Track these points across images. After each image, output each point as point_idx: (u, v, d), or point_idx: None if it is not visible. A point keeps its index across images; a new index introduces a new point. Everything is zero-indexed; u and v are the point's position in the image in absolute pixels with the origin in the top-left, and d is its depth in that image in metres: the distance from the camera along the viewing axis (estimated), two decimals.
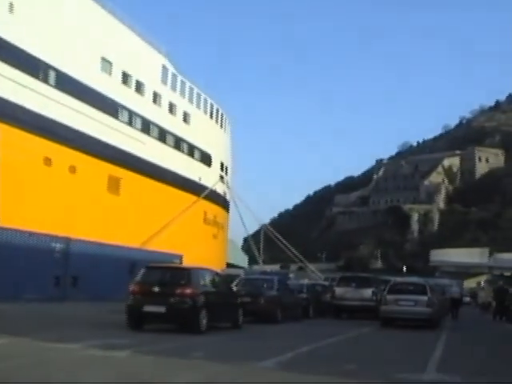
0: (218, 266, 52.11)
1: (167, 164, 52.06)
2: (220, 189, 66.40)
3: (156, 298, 14.30)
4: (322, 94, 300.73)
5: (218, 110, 66.83)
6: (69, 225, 34.07)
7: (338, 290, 26.74)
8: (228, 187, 69.54)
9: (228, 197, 69.82)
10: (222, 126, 68.83)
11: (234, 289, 19.69)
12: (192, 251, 45.52)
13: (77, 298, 27.44)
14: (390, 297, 21.04)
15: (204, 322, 14.71)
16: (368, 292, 26.18)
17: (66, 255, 28.76)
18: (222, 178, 67.37)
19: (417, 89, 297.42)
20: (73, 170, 39.00)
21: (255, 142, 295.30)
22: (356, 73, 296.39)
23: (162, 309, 14.17)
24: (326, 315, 27.19)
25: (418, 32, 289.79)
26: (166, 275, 15.36)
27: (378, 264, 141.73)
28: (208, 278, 16.03)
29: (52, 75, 37.72)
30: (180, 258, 41.01)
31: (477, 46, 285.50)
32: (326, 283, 34.38)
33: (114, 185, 43.67)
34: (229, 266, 66.94)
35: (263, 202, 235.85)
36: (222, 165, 67.96)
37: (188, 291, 14.40)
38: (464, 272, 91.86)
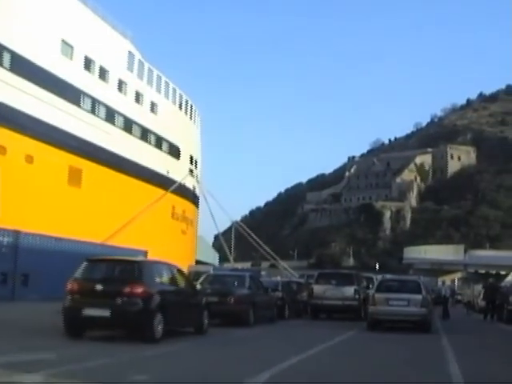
0: (187, 263, 49.68)
1: (133, 156, 49.16)
2: (189, 183, 63.69)
3: (99, 299, 11.41)
4: (295, 90, 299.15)
5: (187, 101, 64.10)
6: (22, 218, 31.14)
7: (317, 288, 23.99)
8: (198, 181, 66.88)
9: (198, 191, 67.16)
10: (191, 117, 66.11)
11: (199, 287, 16.97)
12: (159, 247, 42.96)
13: (27, 297, 24.51)
14: (379, 296, 18.41)
15: (159, 328, 11.78)
16: (350, 290, 23.52)
17: (14, 250, 25.81)
18: (191, 171, 64.69)
19: (388, 87, 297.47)
20: (30, 159, 36.06)
21: (227, 138, 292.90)
22: (329, 69, 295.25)
23: (105, 312, 11.26)
24: (303, 315, 24.78)
25: (388, 30, 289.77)
26: (112, 270, 12.48)
27: (350, 262, 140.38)
28: (166, 275, 13.10)
29: (6, 57, 34.74)
30: (144, 254, 38.34)
31: (448, 46, 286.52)
32: (302, 281, 31.59)
33: (75, 176, 40.70)
34: (198, 263, 64.41)
35: (235, 199, 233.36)
36: (191, 158, 65.26)
37: (139, 290, 11.50)
38: (439, 269, 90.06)
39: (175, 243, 55.65)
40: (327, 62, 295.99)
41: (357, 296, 23.48)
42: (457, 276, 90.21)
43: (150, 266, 12.72)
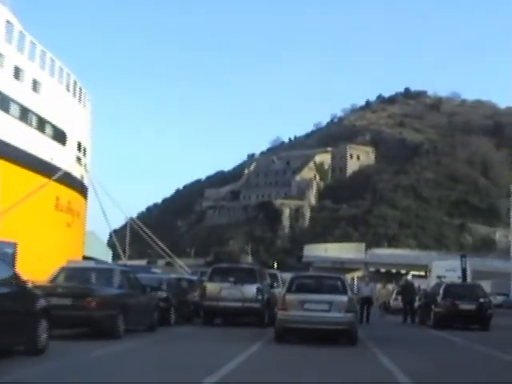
0: (72, 258, 44.56)
1: (9, 138, 42.82)
2: (77, 172, 57.61)
3: None
4: (196, 85, 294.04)
5: (75, 83, 57.91)
6: None
7: (210, 287, 19.56)
8: (86, 171, 60.86)
9: (86, 182, 61.26)
10: (80, 100, 59.96)
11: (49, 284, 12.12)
12: (35, 240, 37.59)
13: None
14: (291, 297, 14.13)
15: None
16: (251, 289, 19.11)
17: None
18: (78, 159, 58.57)
19: (288, 86, 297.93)
20: None
21: (125, 132, 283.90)
22: (231, 65, 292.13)
23: None
24: (195, 320, 20.43)
25: (289, 28, 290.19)
26: None
27: (249, 260, 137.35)
28: None
29: None
30: (14, 246, 32.80)
31: (349, 48, 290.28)
32: (195, 278, 26.82)
33: None
34: (87, 259, 58.83)
35: (131, 195, 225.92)
36: (79, 145, 59.09)
37: None
38: (340, 268, 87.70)
39: (57, 236, 49.91)
40: (228, 58, 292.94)
41: (260, 296, 19.13)
42: (356, 274, 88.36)
43: None
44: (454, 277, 35.12)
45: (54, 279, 13.58)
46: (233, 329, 18.35)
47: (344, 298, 14.08)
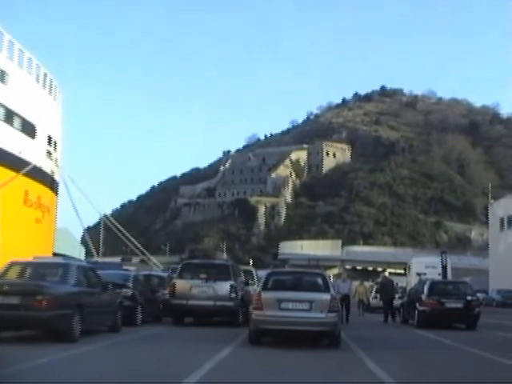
0: (41, 255, 42.67)
1: None
2: (47, 166, 55.69)
3: None
4: (172, 82, 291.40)
5: (46, 75, 55.95)
6: None
7: (180, 285, 18.05)
8: (57, 165, 58.95)
9: (57, 177, 59.32)
10: (50, 93, 57.99)
11: None
12: (5, 236, 35.90)
13: None
14: (267, 295, 12.73)
15: None
16: (224, 287, 17.77)
17: None
18: (49, 153, 56.61)
19: (265, 83, 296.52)
20: None
21: (100, 129, 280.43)
22: (207, 63, 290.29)
23: None
24: (165, 320, 18.97)
25: (264, 30, 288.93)
26: None
27: (224, 257, 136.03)
28: None
29: None
30: None
31: (325, 47, 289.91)
32: (165, 274, 25.29)
33: None
34: (57, 256, 56.86)
35: (106, 192, 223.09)
36: (49, 139, 57.14)
37: None
38: (316, 265, 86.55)
39: (26, 232, 48.09)
40: (206, 55, 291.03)
41: (233, 294, 17.73)
42: (333, 272, 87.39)
43: None
44: (434, 274, 34.01)
45: (1, 276, 12.10)
46: (204, 329, 17.01)
47: (326, 297, 12.67)
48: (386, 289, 24.99)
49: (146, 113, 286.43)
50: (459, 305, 19.87)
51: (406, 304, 22.92)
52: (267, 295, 12.70)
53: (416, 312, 20.48)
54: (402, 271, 63.74)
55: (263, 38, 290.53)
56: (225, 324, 17.70)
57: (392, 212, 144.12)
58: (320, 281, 13.40)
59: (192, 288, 17.82)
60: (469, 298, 20.22)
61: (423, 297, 20.36)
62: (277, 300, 12.51)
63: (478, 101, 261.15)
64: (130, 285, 17.00)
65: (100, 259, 70.24)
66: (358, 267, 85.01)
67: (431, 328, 19.09)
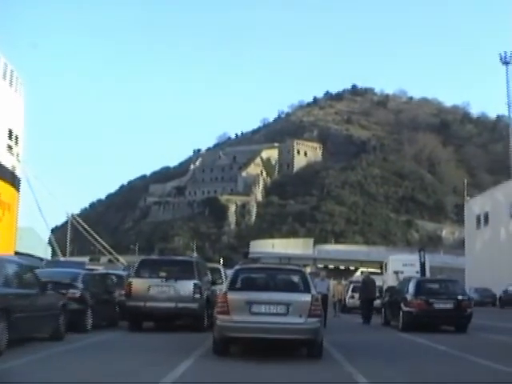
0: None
1: None
2: (8, 161, 53.04)
3: None
4: (143, 80, 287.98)
5: (6, 65, 53.24)
6: None
7: (137, 284, 15.81)
8: (18, 160, 56.33)
9: (18, 172, 56.69)
10: (11, 84, 55.28)
11: None
12: None
13: None
14: (235, 296, 10.70)
15: None
16: (187, 286, 15.63)
17: None
18: (10, 147, 53.92)
19: (236, 82, 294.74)
20: None
21: (67, 126, 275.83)
22: (175, 60, 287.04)
23: None
24: (122, 324, 16.74)
25: (236, 27, 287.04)
26: None
27: (194, 255, 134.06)
28: None
29: None
30: None
31: (295, 44, 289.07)
32: (125, 273, 23.03)
33: None
34: (19, 255, 54.55)
35: (74, 191, 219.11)
36: (10, 132, 54.46)
37: None
38: (287, 264, 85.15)
39: None
40: (176, 52, 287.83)
41: (197, 295, 15.58)
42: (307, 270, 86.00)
43: None
44: (412, 272, 32.52)
45: None
46: (164, 335, 14.92)
47: (306, 298, 10.60)
48: (368, 288, 23.02)
49: (117, 110, 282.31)
50: (449, 305, 18.12)
51: (388, 304, 20.98)
52: (235, 296, 10.65)
53: (401, 313, 18.51)
54: (375, 270, 62.52)
55: (234, 37, 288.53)
56: (188, 329, 15.67)
57: (363, 211, 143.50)
58: (299, 279, 11.31)
59: (150, 288, 15.69)
60: (459, 297, 18.38)
61: (409, 297, 18.49)
62: (246, 302, 10.50)
63: (448, 100, 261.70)
64: (79, 285, 14.65)
65: (64, 258, 68.19)
66: (331, 266, 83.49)
67: (417, 331, 17.28)
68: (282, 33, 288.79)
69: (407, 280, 20.83)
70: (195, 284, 15.70)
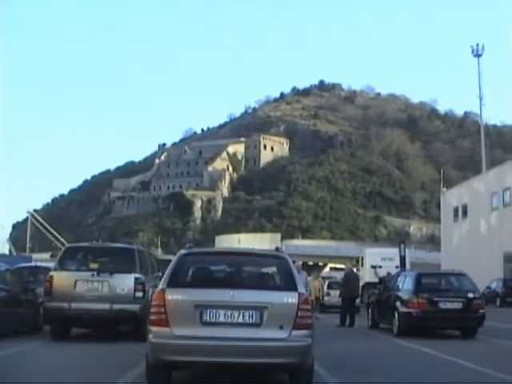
0: None
1: None
2: None
3: None
4: (108, 73, 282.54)
5: None
6: None
7: (59, 279, 12.18)
8: None
9: None
10: None
11: None
12: None
13: None
14: (177, 297, 7.00)
15: None
16: (126, 282, 12.08)
17: None
18: None
19: (202, 77, 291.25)
20: None
21: (29, 121, 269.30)
22: (147, 57, 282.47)
23: None
24: (45, 329, 13.22)
25: (202, 22, 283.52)
26: None
27: (159, 252, 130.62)
28: None
29: None
30: None
31: (262, 39, 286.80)
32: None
33: None
34: None
35: (36, 186, 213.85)
36: None
37: None
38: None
39: None
40: (145, 46, 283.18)
41: (140, 294, 11.98)
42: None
43: None
44: (392, 266, 29.93)
45: None
46: (95, 346, 11.52)
47: (290, 299, 7.06)
48: (352, 284, 19.33)
49: (82, 103, 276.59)
50: (457, 305, 14.81)
51: (376, 303, 17.61)
52: (177, 297, 7.02)
53: (396, 315, 15.25)
54: (342, 266, 59.88)
55: (201, 32, 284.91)
56: (128, 337, 12.20)
57: (331, 206, 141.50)
58: (278, 269, 7.67)
59: (77, 284, 12.09)
60: (470, 295, 15.01)
61: (407, 294, 15.28)
62: (195, 306, 6.89)
63: (415, 97, 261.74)
64: None
65: (16, 254, 65.52)
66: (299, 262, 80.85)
67: (415, 336, 14.16)
68: (250, 28, 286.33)
69: (402, 274, 17.51)
70: (137, 279, 12.08)
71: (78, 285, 12.11)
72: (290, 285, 7.24)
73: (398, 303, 15.41)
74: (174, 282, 7.19)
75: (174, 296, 6.99)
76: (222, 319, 6.83)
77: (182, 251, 7.84)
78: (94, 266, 12.38)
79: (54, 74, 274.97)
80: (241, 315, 6.84)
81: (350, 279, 19.50)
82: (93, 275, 12.15)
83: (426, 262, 64.05)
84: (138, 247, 14.57)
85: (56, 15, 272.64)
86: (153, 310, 7.10)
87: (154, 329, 6.94)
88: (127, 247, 14.11)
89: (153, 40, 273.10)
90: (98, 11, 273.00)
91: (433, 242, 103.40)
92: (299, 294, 7.10)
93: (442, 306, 14.84)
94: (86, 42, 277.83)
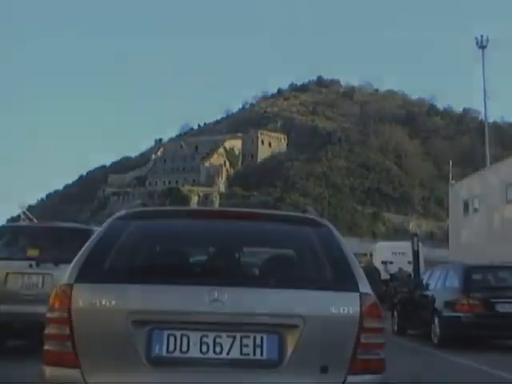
0: None
1: None
2: None
3: None
4: (102, 67, 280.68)
5: None
6: None
7: None
8: None
9: None
10: None
11: None
12: None
13: None
14: (107, 303, 3.26)
15: None
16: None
17: None
18: None
19: (199, 72, 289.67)
20: None
21: (24, 114, 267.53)
22: (142, 51, 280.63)
23: None
24: None
25: (200, 17, 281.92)
26: None
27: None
28: None
29: None
30: None
31: (260, 34, 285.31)
32: None
33: None
34: None
35: (31, 181, 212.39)
36: None
37: None
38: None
39: None
40: (138, 39, 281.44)
41: None
42: None
43: None
44: (404, 262, 28.48)
45: None
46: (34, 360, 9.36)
47: (345, 307, 3.37)
48: (372, 280, 17.42)
49: (78, 98, 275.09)
50: None
51: (403, 304, 15.28)
52: (96, 302, 3.28)
53: (436, 320, 12.47)
54: None
55: (195, 26, 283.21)
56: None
57: (329, 203, 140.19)
58: (315, 246, 3.97)
59: (9, 278, 9.00)
60: None
61: (452, 294, 12.57)
62: (135, 323, 3.25)
63: (413, 93, 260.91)
64: None
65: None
66: None
67: (462, 348, 11.57)
68: (246, 23, 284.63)
69: (445, 267, 14.64)
70: None
71: (10, 279, 9.00)
72: (341, 278, 3.63)
73: (438, 305, 12.81)
74: (92, 272, 3.47)
75: (89, 300, 3.31)
76: (193, 352, 3.23)
77: (118, 213, 4.19)
78: (32, 253, 9.10)
79: (51, 70, 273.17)
80: (236, 343, 3.26)
81: (371, 274, 17.62)
82: (30, 266, 8.93)
83: (431, 259, 62.77)
84: (88, 228, 10.22)
85: (56, 15, 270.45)
86: (48, 329, 3.37)
87: (47, 371, 3.31)
88: (81, 227, 10.51)
89: (149, 35, 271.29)
90: (96, 11, 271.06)
91: (432, 238, 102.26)
92: (362, 295, 3.47)
93: (501, 308, 12.18)
94: (84, 37, 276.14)
